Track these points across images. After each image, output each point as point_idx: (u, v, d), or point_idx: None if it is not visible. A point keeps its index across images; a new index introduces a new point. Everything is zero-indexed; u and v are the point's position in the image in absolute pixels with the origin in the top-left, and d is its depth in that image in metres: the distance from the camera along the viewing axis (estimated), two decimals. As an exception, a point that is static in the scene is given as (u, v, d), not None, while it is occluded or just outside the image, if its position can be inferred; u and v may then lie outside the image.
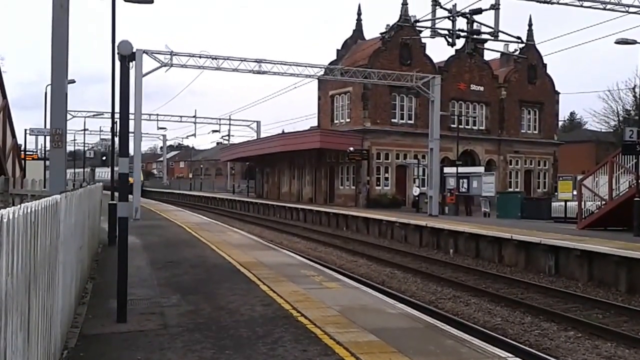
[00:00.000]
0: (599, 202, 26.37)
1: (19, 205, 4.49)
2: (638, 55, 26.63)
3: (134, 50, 9.87)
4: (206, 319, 9.47)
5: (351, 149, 44.87)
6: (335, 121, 51.69)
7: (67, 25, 12.90)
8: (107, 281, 12.13)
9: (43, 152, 49.80)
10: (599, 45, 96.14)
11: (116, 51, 15.65)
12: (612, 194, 25.44)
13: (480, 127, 53.15)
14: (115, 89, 20.75)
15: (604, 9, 27.48)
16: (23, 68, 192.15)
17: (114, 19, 20.83)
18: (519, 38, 29.20)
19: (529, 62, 54.23)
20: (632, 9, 27.63)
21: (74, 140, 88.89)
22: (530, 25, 54.51)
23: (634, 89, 64.26)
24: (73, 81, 31.70)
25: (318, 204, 50.45)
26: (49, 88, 14.06)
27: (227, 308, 10.20)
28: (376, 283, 18.30)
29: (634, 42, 26.18)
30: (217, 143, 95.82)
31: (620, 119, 69.05)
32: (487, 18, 30.33)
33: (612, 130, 71.33)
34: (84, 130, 71.81)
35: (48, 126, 21.26)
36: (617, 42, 26.32)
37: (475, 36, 27.43)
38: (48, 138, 20.68)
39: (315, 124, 56.14)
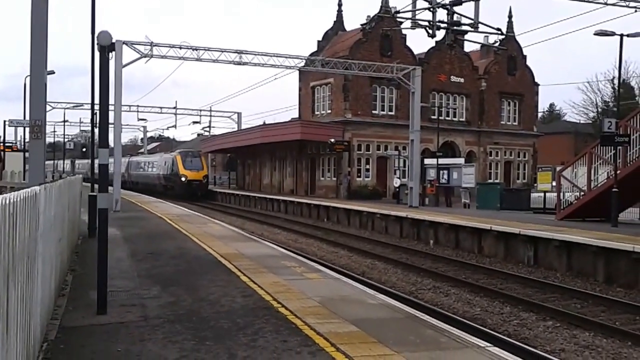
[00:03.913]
0: (578, 193, 26.61)
1: (-3, 197, 4.46)
2: (617, 46, 26.79)
3: (114, 40, 9.82)
4: (187, 310, 9.46)
5: (332, 140, 44.86)
6: (316, 112, 51.64)
7: (46, 16, 12.78)
8: (87, 273, 12.08)
9: (23, 143, 49.38)
10: (578, 36, 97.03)
11: (95, 42, 15.54)
12: (591, 185, 25.67)
13: (461, 119, 53.36)
14: (95, 80, 20.61)
15: (583, 0, 27.63)
16: (8, 60, 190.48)
17: (94, 10, 20.68)
18: (499, 29, 29.25)
19: (508, 53, 54.45)
20: (610, 1, 27.81)
21: (54, 131, 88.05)
22: (510, 16, 54.78)
23: (612, 80, 64.93)
24: (52, 72, 31.38)
25: (299, 195, 50.45)
26: (28, 79, 13.91)
27: (207, 299, 10.20)
28: (357, 274, 18.36)
29: (612, 33, 26.35)
30: (198, 134, 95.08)
31: (599, 110, 69.75)
32: (467, 9, 30.42)
33: (591, 122, 72.08)
34: (64, 121, 71.08)
35: (27, 117, 21.06)
36: (596, 34, 26.47)
37: (455, 27, 27.42)
38: (27, 129, 20.52)
39: (297, 115, 56.09)
